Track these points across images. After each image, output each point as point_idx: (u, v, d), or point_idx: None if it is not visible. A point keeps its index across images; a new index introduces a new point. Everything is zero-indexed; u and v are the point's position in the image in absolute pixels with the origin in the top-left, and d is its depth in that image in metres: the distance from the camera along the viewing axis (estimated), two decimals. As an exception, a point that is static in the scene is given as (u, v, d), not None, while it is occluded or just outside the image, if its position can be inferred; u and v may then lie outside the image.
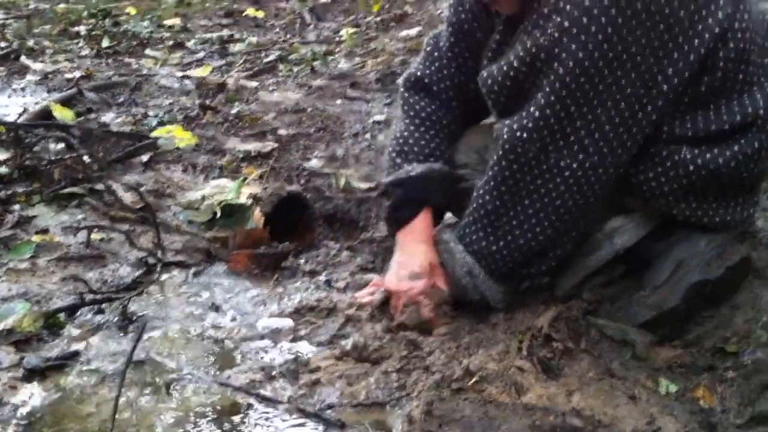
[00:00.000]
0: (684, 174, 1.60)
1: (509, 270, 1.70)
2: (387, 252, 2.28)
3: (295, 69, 4.28)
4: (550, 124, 1.55)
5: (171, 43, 4.92)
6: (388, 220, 1.90)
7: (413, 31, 4.96)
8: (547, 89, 1.54)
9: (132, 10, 5.84)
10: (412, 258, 1.80)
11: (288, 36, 5.26)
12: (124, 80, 3.88)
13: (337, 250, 2.28)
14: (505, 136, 1.61)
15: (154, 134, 3.03)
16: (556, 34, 1.50)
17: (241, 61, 4.51)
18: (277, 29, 5.47)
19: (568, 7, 1.49)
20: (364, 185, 2.70)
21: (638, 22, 1.46)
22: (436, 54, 1.92)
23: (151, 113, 3.37)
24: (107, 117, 3.31)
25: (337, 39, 5.04)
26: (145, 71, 4.16)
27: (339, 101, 3.65)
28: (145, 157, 2.87)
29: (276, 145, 3.02)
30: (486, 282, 1.71)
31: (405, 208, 1.84)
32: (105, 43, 4.84)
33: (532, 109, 1.56)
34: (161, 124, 3.21)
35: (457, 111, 1.91)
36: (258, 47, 4.84)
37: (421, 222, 1.82)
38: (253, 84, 3.94)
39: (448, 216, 1.98)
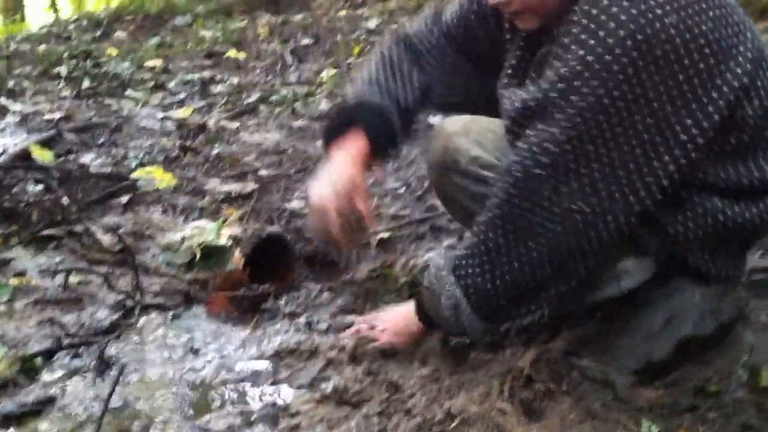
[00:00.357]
0: (712, 223, 1.57)
1: (498, 308, 1.64)
2: (369, 293, 2.28)
3: (277, 110, 4.30)
4: (566, 161, 1.49)
5: (152, 84, 4.92)
6: (323, 138, 1.85)
7: (394, 73, 4.99)
8: (565, 124, 1.48)
9: (113, 51, 5.85)
10: (338, 173, 1.74)
11: (269, 77, 5.28)
12: (104, 121, 3.87)
13: (317, 291, 2.27)
14: (519, 174, 1.54)
15: (133, 175, 3.02)
16: (578, 67, 1.46)
17: (222, 102, 4.52)
18: (259, 70, 5.49)
19: (591, 41, 1.45)
20: (345, 226, 2.69)
21: (658, 69, 1.44)
22: (435, 26, 1.92)
23: (131, 154, 3.36)
24: (87, 158, 3.29)
25: (318, 80, 5.07)
26: (125, 112, 4.16)
27: (319, 142, 3.65)
28: (124, 199, 2.86)
29: (256, 185, 3.01)
30: (470, 317, 1.65)
31: (337, 128, 1.80)
32: (86, 84, 4.84)
33: (546, 144, 1.50)
34: (141, 165, 3.20)
35: (431, 78, 1.89)
36: (239, 88, 4.86)
37: (351, 141, 1.76)
38: (234, 125, 3.95)
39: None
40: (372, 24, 6.53)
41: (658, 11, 1.43)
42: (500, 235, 1.58)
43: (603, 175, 1.49)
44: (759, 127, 1.55)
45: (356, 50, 5.69)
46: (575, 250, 1.54)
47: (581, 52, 1.46)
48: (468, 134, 1.73)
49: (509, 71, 1.74)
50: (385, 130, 1.79)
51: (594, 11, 1.46)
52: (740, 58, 1.50)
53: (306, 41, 6.20)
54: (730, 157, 1.56)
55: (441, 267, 1.68)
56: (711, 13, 1.48)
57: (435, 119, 3.76)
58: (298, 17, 7.30)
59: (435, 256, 1.74)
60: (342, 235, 1.74)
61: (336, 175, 1.74)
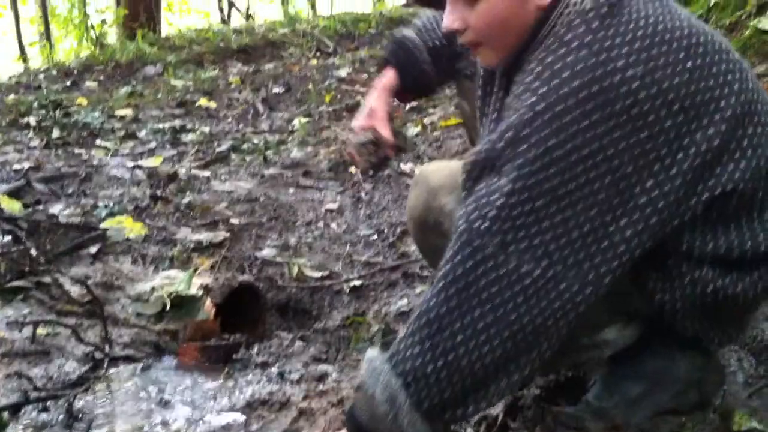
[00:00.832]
0: (701, 293, 1.45)
1: (441, 403, 1.37)
2: (342, 341, 2.27)
3: (248, 158, 4.30)
4: (513, 216, 1.33)
5: (122, 133, 4.91)
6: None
7: (365, 121, 5.03)
8: (513, 174, 1.33)
9: (83, 101, 5.84)
10: (365, 103, 1.92)
11: (240, 126, 5.30)
12: (73, 171, 3.84)
13: (289, 340, 2.26)
14: (462, 227, 1.36)
15: (103, 225, 2.99)
16: (527, 116, 1.34)
17: (193, 151, 4.52)
18: (230, 119, 5.51)
19: (542, 89, 1.34)
20: (317, 274, 2.69)
21: (617, 124, 1.31)
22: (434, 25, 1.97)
23: (100, 204, 3.33)
24: (56, 208, 3.26)
25: (289, 128, 5.09)
26: (95, 162, 4.14)
27: (291, 190, 3.66)
28: (93, 249, 2.83)
29: (228, 234, 3.00)
30: (411, 416, 1.37)
31: (381, 65, 1.99)
32: (55, 133, 4.82)
33: (494, 196, 1.34)
34: (111, 214, 3.17)
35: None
36: (210, 137, 4.86)
37: (383, 77, 1.94)
38: (205, 174, 3.94)
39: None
40: (343, 73, 6.59)
41: (620, 62, 1.32)
42: (442, 302, 1.36)
43: (555, 236, 1.33)
44: (748, 190, 1.41)
45: (328, 98, 5.73)
46: (527, 323, 1.34)
47: (532, 100, 1.35)
48: (453, 191, 1.60)
49: (493, 117, 1.62)
50: (412, 65, 1.92)
51: (549, 58, 1.37)
52: (716, 117, 1.36)
53: (277, 90, 6.23)
54: (717, 224, 1.43)
55: (374, 358, 1.44)
56: (688, 64, 1.35)
57: (406, 166, 3.80)
58: (270, 66, 7.35)
59: (369, 350, 1.49)
60: (356, 155, 1.83)
61: (364, 104, 1.90)
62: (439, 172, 1.72)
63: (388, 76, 1.93)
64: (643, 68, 1.32)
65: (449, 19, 1.51)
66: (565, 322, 1.36)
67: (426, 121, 4.69)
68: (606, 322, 1.56)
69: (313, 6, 14.90)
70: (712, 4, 5.15)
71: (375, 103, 1.89)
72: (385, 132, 1.83)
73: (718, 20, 4.99)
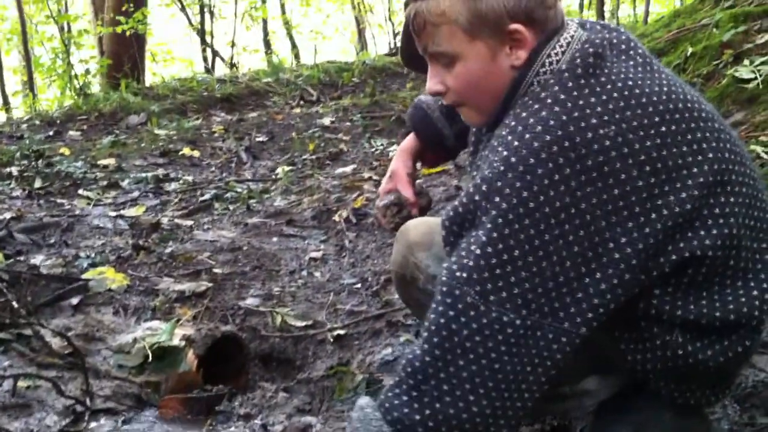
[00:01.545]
0: (671, 357, 1.46)
1: None
2: (325, 392, 2.25)
3: (231, 207, 4.30)
4: (491, 265, 1.35)
5: (105, 183, 4.91)
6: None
7: (348, 169, 5.06)
8: (489, 225, 1.36)
9: (66, 151, 5.84)
10: (390, 166, 1.96)
11: (224, 174, 5.31)
12: (55, 221, 3.83)
13: (273, 391, 2.24)
14: (444, 278, 1.39)
15: (85, 276, 2.98)
16: (501, 167, 1.37)
17: (176, 200, 4.52)
18: (213, 168, 5.52)
19: (516, 142, 1.37)
20: (301, 323, 2.68)
21: (589, 179, 1.34)
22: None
23: (82, 254, 3.32)
24: (37, 259, 3.24)
25: (273, 177, 5.11)
26: (77, 211, 4.13)
27: (275, 239, 3.66)
28: (75, 300, 2.81)
29: (211, 284, 2.99)
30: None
31: (406, 133, 2.02)
32: (37, 183, 4.81)
33: (473, 247, 1.37)
34: (93, 265, 3.16)
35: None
36: (193, 186, 4.87)
37: (407, 141, 1.98)
38: (188, 223, 3.94)
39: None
40: (326, 121, 6.64)
41: (593, 121, 1.36)
42: (427, 352, 1.38)
43: (533, 286, 1.35)
44: (718, 257, 1.42)
45: (311, 147, 5.76)
46: (511, 374, 1.35)
47: (505, 153, 1.38)
48: (430, 247, 1.65)
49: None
50: (426, 125, 1.95)
51: (524, 114, 1.41)
52: (689, 182, 1.39)
53: (261, 138, 6.27)
54: (688, 291, 1.44)
55: (365, 405, 1.46)
56: (662, 129, 1.38)
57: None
58: (253, 115, 7.39)
59: (361, 399, 1.51)
60: (381, 217, 1.86)
61: (390, 167, 1.95)
62: (418, 228, 1.76)
63: (408, 138, 1.98)
64: (616, 128, 1.35)
65: (431, 82, 1.58)
66: (545, 370, 1.37)
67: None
68: (586, 372, 1.57)
69: (296, 55, 15.04)
70: (689, 53, 5.24)
71: (396, 165, 1.93)
72: (408, 192, 1.88)
73: (695, 70, 5.08)
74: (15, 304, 2.62)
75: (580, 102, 1.38)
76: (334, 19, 17.17)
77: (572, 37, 1.49)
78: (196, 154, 5.83)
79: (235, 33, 13.50)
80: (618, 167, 1.34)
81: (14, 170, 5.15)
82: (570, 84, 1.41)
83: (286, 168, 5.18)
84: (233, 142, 6.14)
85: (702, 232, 1.40)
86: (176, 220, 3.97)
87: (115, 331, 2.63)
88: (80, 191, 4.71)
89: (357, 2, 16.31)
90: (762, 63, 4.58)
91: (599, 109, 1.37)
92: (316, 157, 5.50)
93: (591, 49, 1.45)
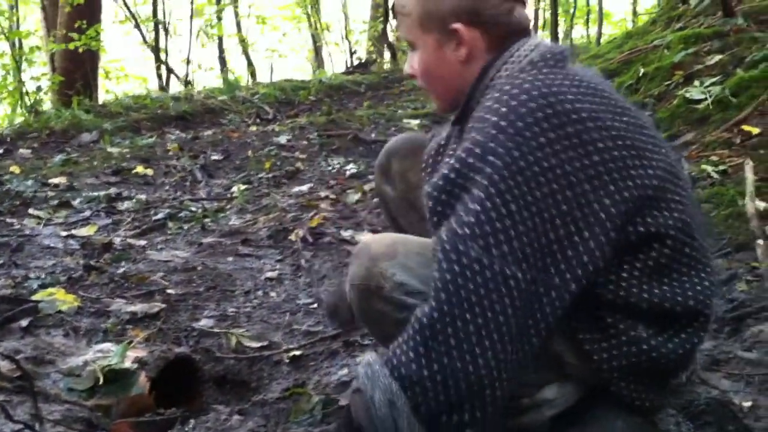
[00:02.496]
0: (636, 352, 1.54)
1: (438, 408, 1.41)
2: (280, 414, 2.22)
3: (185, 226, 4.25)
4: (492, 219, 1.42)
5: (56, 202, 4.82)
6: None
7: (305, 188, 5.05)
8: (486, 182, 1.43)
9: (16, 169, 5.73)
10: None
11: (178, 193, 5.25)
12: (4, 241, 3.75)
13: (227, 414, 2.20)
14: (445, 238, 1.44)
15: (34, 297, 2.91)
16: (492, 131, 1.47)
17: (129, 220, 4.45)
18: (167, 187, 5.46)
19: (503, 109, 1.49)
20: (256, 344, 2.65)
21: (571, 145, 1.46)
22: None
23: (32, 275, 3.25)
24: (-15, 280, 3.17)
25: (228, 196, 5.07)
26: (27, 231, 4.05)
27: (230, 258, 3.62)
28: (24, 322, 2.74)
29: (164, 305, 2.94)
30: (409, 419, 1.43)
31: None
32: (-14, 202, 4.71)
33: (471, 205, 1.44)
34: (43, 286, 3.09)
35: None
36: (147, 205, 4.80)
37: None
38: (141, 242, 3.88)
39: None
40: (283, 139, 6.62)
41: (569, 97, 1.50)
42: (434, 309, 1.42)
43: (530, 240, 1.42)
44: (679, 241, 1.53)
45: (267, 165, 5.73)
46: (515, 326, 1.41)
47: (494, 119, 1.48)
48: (394, 257, 1.63)
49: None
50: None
51: (506, 87, 1.53)
52: (654, 162, 1.54)
53: (216, 157, 6.22)
54: (653, 274, 1.53)
55: (372, 363, 1.49)
56: (625, 118, 1.54)
57: (346, 233, 3.80)
58: (208, 133, 7.34)
59: (367, 356, 1.54)
60: None
61: None
62: (379, 241, 1.72)
63: None
64: (589, 107, 1.50)
65: (406, 65, 1.80)
66: (543, 326, 1.45)
67: (366, 187, 4.71)
68: (544, 381, 1.60)
69: (252, 73, 15.02)
70: (641, 74, 5.33)
71: None
72: None
73: (647, 90, 5.17)
74: (-39, 327, 2.56)
75: (557, 82, 1.53)
76: (291, 37, 17.18)
77: (539, 42, 1.66)
78: (150, 172, 5.77)
79: (190, 50, 13.45)
80: (595, 137, 1.48)
81: (-38, 189, 5.05)
82: (545, 70, 1.58)
83: (242, 187, 5.14)
84: (188, 160, 6.08)
85: (666, 213, 1.52)
86: (129, 240, 3.91)
87: (66, 353, 2.57)
88: (30, 210, 4.61)
89: (314, 21, 16.35)
90: (712, 84, 4.68)
91: (573, 90, 1.52)
92: (272, 176, 5.48)
93: (559, 50, 1.65)
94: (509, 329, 1.40)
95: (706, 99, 4.57)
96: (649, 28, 7.00)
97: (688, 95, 4.70)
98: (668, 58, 5.31)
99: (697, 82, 4.80)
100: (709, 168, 3.83)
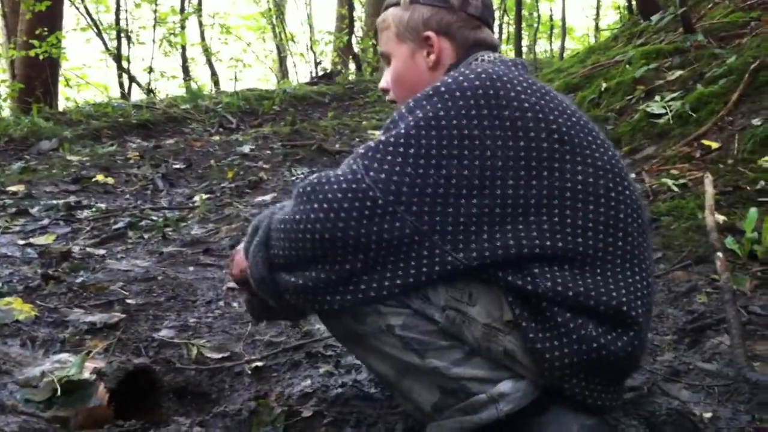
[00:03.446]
0: (586, 350, 1.57)
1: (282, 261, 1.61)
2: (241, 425, 2.20)
3: (146, 236, 4.21)
4: (386, 150, 1.58)
5: (13, 210, 4.74)
6: None
7: (268, 197, 5.02)
8: (402, 125, 1.61)
9: (-27, 177, 5.64)
10: None
11: (139, 202, 5.20)
12: (-40, 249, 3.68)
13: (187, 426, 2.17)
14: (361, 151, 1.62)
15: (-10, 307, 2.85)
16: (430, 92, 1.63)
17: (88, 228, 4.39)
18: (128, 195, 5.40)
19: (448, 79, 1.64)
20: (217, 355, 2.62)
21: (502, 126, 1.58)
22: None
23: (-12, 284, 3.19)
24: (-61, 289, 3.11)
25: (190, 205, 5.02)
26: (-17, 240, 3.97)
27: (191, 268, 3.59)
28: (-21, 332, 2.69)
29: (123, 315, 2.90)
30: (258, 252, 1.66)
31: None
32: (-59, 210, 4.62)
33: (381, 138, 1.61)
34: (-1, 295, 3.04)
35: None
36: (107, 214, 4.74)
37: None
38: (101, 252, 3.83)
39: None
40: (246, 149, 6.59)
41: (518, 88, 1.62)
42: (294, 211, 1.58)
43: (412, 183, 1.54)
44: (607, 238, 1.62)
45: (230, 175, 5.70)
46: (356, 243, 1.52)
47: (437, 84, 1.64)
48: None
49: None
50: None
51: (461, 70, 1.68)
52: (589, 161, 1.62)
53: (178, 166, 6.17)
54: (575, 268, 1.59)
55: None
56: (573, 118, 1.65)
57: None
58: (170, 142, 7.29)
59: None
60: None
61: None
62: None
63: None
64: (535, 100, 1.62)
65: (382, 80, 1.98)
66: (404, 278, 1.55)
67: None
68: (499, 377, 1.64)
69: (216, 82, 14.96)
70: (603, 89, 5.39)
71: None
72: None
73: (609, 104, 5.23)
74: None
75: (510, 74, 1.66)
76: (255, 47, 17.15)
77: (501, 55, 1.86)
78: (110, 181, 5.70)
79: (153, 59, 13.35)
80: (530, 126, 1.59)
81: None
82: (502, 65, 1.71)
83: (204, 196, 5.10)
84: (149, 169, 6.03)
85: (591, 207, 1.61)
86: (88, 249, 3.85)
87: (23, 363, 2.52)
88: (-13, 218, 4.54)
89: (278, 31, 16.34)
90: (672, 99, 4.75)
91: (525, 84, 1.65)
92: (235, 186, 5.44)
93: (519, 60, 1.81)
94: (355, 241, 1.52)
95: (666, 114, 4.63)
96: (611, 44, 7.09)
97: (649, 110, 4.77)
98: (630, 74, 5.38)
99: (657, 97, 4.87)
100: (670, 181, 3.88)
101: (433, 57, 1.86)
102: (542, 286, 1.56)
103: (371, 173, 1.54)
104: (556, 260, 1.58)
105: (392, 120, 1.65)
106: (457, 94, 1.60)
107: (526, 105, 1.60)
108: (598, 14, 17.41)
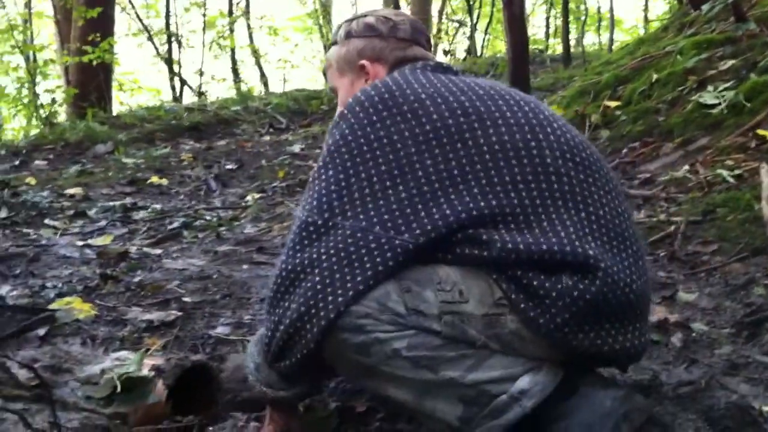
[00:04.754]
0: (570, 301, 1.57)
1: (275, 344, 1.67)
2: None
3: (200, 235, 4.27)
4: (312, 182, 1.74)
5: (71, 212, 4.86)
6: None
7: (318, 196, 5.05)
8: (320, 157, 1.77)
9: (32, 181, 5.78)
10: None
11: (193, 202, 5.28)
12: (21, 251, 3.78)
13: (243, 421, 2.20)
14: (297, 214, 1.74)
15: (51, 307, 2.92)
16: (336, 118, 1.82)
17: (144, 229, 4.48)
18: (182, 196, 5.49)
19: (350, 101, 1.82)
20: (272, 352, 2.65)
21: (404, 119, 1.72)
22: None
23: (49, 285, 3.27)
24: (3, 290, 3.19)
25: (242, 204, 5.08)
26: (44, 241, 4.08)
27: (245, 266, 3.63)
28: (41, 331, 2.76)
29: (180, 313, 2.95)
30: (264, 370, 1.83)
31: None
32: (3, 213, 4.75)
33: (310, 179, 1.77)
34: (60, 295, 3.11)
35: None
36: (162, 214, 4.83)
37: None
38: (157, 251, 3.90)
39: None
40: (296, 148, 6.64)
41: (415, 86, 1.77)
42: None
43: (339, 193, 1.67)
44: (535, 191, 1.65)
45: (281, 174, 5.75)
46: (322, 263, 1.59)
47: (340, 109, 1.84)
48: None
49: None
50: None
51: (365, 86, 1.86)
52: (491, 130, 1.69)
53: (230, 166, 6.25)
54: (539, 217, 1.63)
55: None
56: (478, 94, 1.76)
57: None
58: (222, 143, 7.38)
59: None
60: None
61: None
62: None
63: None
64: (434, 91, 1.75)
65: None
66: (373, 269, 1.58)
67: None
68: (514, 374, 1.62)
69: (265, 84, 15.08)
70: (654, 80, 5.32)
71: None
72: None
73: (660, 96, 5.16)
74: (-21, 336, 2.58)
75: (409, 77, 1.82)
76: (303, 47, 17.25)
77: (419, 63, 1.99)
78: (165, 182, 5.80)
79: (203, 62, 13.52)
80: (431, 110, 1.71)
81: (-21, 200, 5.09)
82: (408, 71, 1.90)
83: (256, 195, 5.16)
84: (202, 170, 6.12)
85: (514, 162, 1.66)
86: (144, 249, 3.93)
87: (83, 362, 2.58)
88: (46, 221, 4.65)
89: (325, 31, 16.42)
90: (725, 89, 4.66)
91: (423, 80, 1.80)
92: (285, 185, 5.50)
93: (433, 61, 2.00)
94: (310, 261, 1.60)
95: (719, 104, 4.55)
96: (660, 35, 6.98)
97: (701, 100, 4.69)
98: (681, 64, 5.30)
99: (710, 87, 4.79)
100: (724, 173, 3.82)
101: (370, 83, 1.97)
102: (495, 249, 1.58)
103: (304, 206, 1.70)
104: (497, 221, 1.61)
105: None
106: (357, 109, 1.76)
107: (423, 96, 1.73)
108: (647, 5, 17.16)
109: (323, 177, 1.71)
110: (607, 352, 1.63)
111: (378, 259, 1.58)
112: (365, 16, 2.12)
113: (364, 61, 2.05)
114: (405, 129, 1.69)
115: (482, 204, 1.61)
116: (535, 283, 1.58)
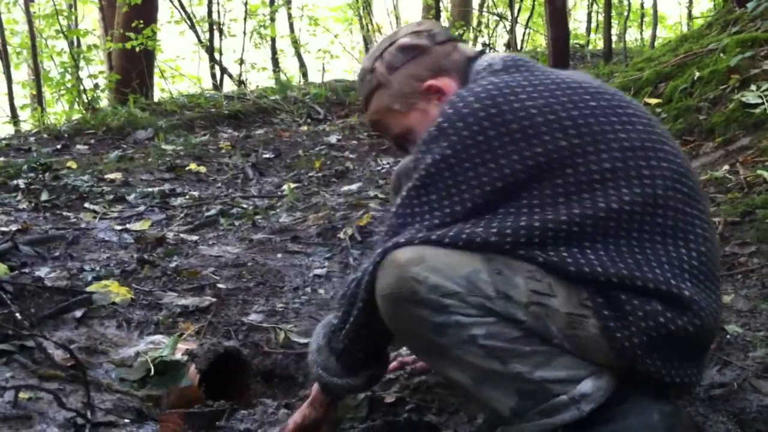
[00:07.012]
0: (654, 326, 1.54)
1: (347, 349, 1.74)
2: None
3: (237, 223, 4.31)
4: (409, 201, 1.66)
5: (111, 197, 4.92)
6: None
7: (354, 187, 5.07)
8: (415, 175, 1.66)
9: (73, 165, 5.86)
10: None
11: (230, 190, 5.32)
12: (61, 234, 3.84)
13: (274, 408, 2.23)
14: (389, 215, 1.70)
15: (89, 289, 2.97)
16: (434, 132, 1.65)
17: (182, 215, 4.53)
18: (219, 184, 5.53)
19: (449, 110, 1.65)
20: (304, 340, 2.67)
21: (512, 139, 1.58)
22: None
23: (87, 267, 3.32)
24: (42, 271, 3.25)
25: (278, 193, 5.11)
26: (83, 225, 4.14)
27: (279, 255, 3.66)
28: (78, 313, 2.81)
29: (214, 299, 2.98)
30: (324, 353, 1.80)
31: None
32: (44, 196, 4.82)
33: (402, 191, 1.69)
34: (97, 278, 3.16)
35: None
36: (199, 201, 4.88)
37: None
38: (193, 238, 3.94)
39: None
40: (333, 139, 6.66)
41: (522, 96, 1.62)
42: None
43: (443, 215, 1.61)
44: (644, 213, 1.59)
45: (317, 164, 5.77)
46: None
47: (439, 120, 1.64)
48: (422, 261, 1.60)
49: None
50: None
51: (460, 92, 1.68)
52: (614, 144, 1.61)
53: (267, 155, 6.28)
54: (640, 245, 1.59)
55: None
56: (591, 103, 1.64)
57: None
58: (260, 132, 7.42)
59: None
60: None
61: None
62: (403, 250, 1.65)
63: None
64: (543, 101, 1.61)
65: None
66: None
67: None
68: (578, 376, 1.60)
69: (304, 74, 15.11)
70: (696, 78, 5.25)
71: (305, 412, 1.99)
72: None
73: (702, 94, 5.08)
74: (18, 316, 2.63)
75: (512, 84, 1.65)
76: (343, 38, 17.25)
77: (495, 55, 1.84)
78: (203, 169, 5.85)
79: (243, 51, 13.58)
80: (543, 130, 1.58)
81: (21, 183, 5.17)
82: (502, 73, 1.73)
83: (292, 185, 5.19)
84: (240, 158, 6.16)
85: (625, 190, 1.58)
86: (181, 235, 3.97)
87: (118, 344, 2.63)
88: (86, 205, 4.72)
89: (365, 22, 16.41)
90: (769, 88, 4.58)
91: (530, 89, 1.64)
92: (322, 175, 5.52)
93: (518, 56, 1.80)
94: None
95: (762, 104, 4.48)
96: (704, 32, 6.88)
97: (744, 99, 4.62)
98: (724, 62, 5.22)
99: (753, 87, 4.71)
100: (765, 173, 3.76)
101: (445, 97, 1.83)
102: (585, 264, 1.56)
103: (395, 222, 1.67)
104: (593, 239, 1.57)
105: (411, 163, 1.72)
106: (459, 124, 1.62)
107: (534, 110, 1.60)
108: (691, 1, 16.92)
109: (424, 200, 1.63)
110: (667, 382, 1.62)
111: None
112: (392, 44, 1.94)
113: (428, 82, 1.88)
114: (513, 152, 1.59)
115: (577, 220, 1.58)
116: (623, 297, 1.55)
